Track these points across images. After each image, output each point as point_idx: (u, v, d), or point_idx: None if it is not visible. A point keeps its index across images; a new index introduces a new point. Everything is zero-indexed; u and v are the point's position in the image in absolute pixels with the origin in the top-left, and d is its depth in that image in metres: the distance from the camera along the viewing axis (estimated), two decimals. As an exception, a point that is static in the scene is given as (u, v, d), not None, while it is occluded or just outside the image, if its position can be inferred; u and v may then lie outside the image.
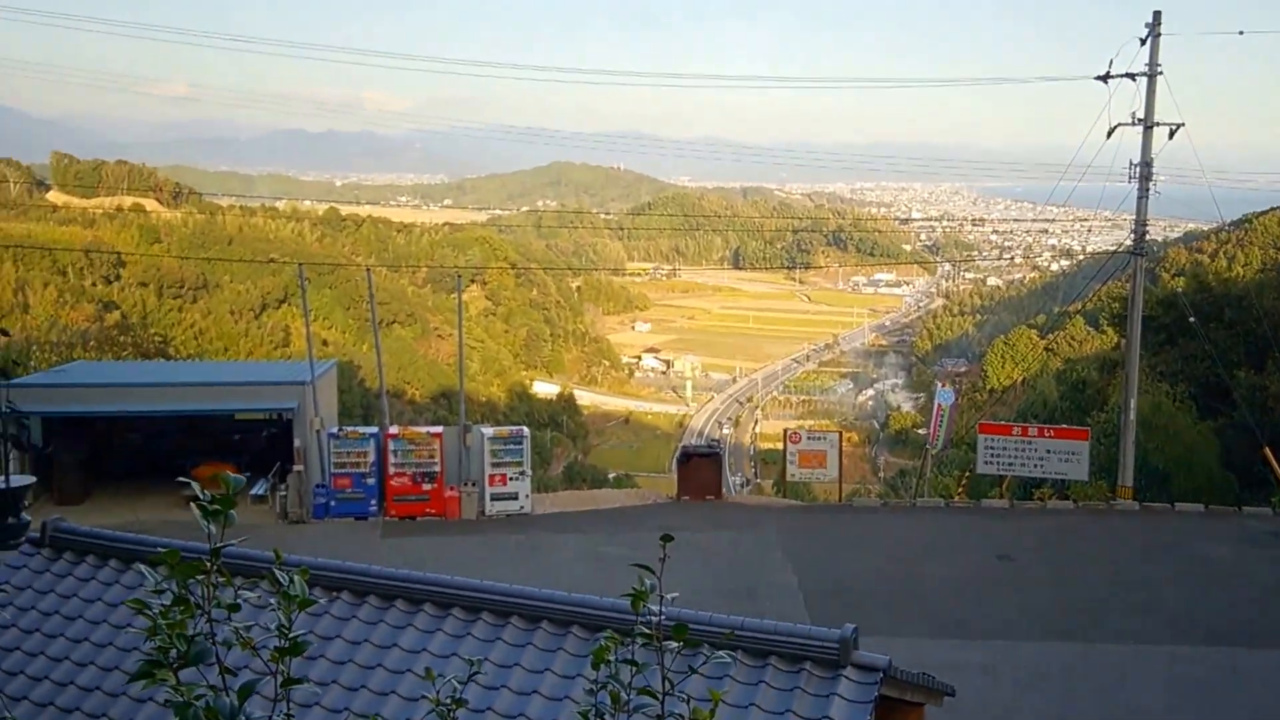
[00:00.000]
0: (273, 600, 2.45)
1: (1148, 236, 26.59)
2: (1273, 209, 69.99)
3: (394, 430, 24.89)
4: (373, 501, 23.87)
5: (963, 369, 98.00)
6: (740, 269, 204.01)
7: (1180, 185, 28.34)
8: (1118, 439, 25.99)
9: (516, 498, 24.19)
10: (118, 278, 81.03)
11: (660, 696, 2.63)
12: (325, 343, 77.59)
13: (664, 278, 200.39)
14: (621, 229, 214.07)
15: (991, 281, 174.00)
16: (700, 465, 26.30)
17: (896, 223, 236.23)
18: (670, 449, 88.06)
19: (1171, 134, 24.97)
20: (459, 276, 38.85)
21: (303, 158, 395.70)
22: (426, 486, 23.89)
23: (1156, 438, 27.13)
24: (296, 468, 23.70)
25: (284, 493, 23.65)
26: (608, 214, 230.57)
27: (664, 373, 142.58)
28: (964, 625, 17.32)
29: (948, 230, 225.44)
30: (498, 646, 6.69)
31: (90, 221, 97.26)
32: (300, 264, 36.08)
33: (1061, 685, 14.92)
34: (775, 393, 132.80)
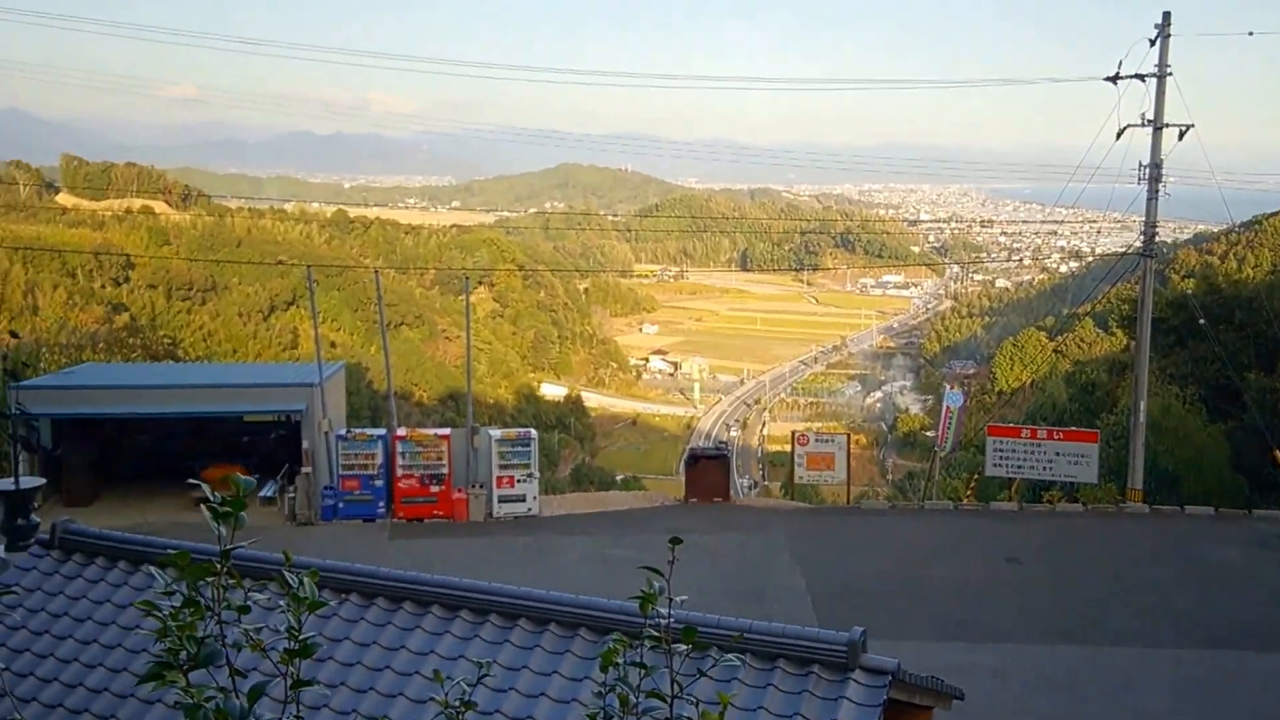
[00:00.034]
0: (282, 602, 2.45)
1: (1157, 238, 26.51)
2: (1282, 210, 69.84)
3: (402, 432, 24.94)
4: (380, 503, 23.92)
5: (971, 371, 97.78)
6: (748, 271, 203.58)
7: (1189, 186, 28.22)
8: (1127, 441, 25.88)
9: (524, 499, 24.21)
10: (127, 280, 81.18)
11: (668, 699, 2.63)
12: (333, 344, 77.64)
13: (671, 279, 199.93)
14: (629, 231, 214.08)
15: (1000, 283, 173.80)
16: (708, 467, 26.23)
17: (905, 224, 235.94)
18: (678, 451, 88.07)
19: (1181, 135, 24.90)
20: (467, 278, 39.00)
21: (311, 160, 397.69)
22: (434, 488, 23.91)
23: (1166, 440, 27.01)
24: (305, 470, 23.74)
25: (292, 495, 23.70)
26: (615, 216, 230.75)
27: (672, 375, 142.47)
28: (972, 628, 17.28)
29: (956, 232, 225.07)
30: (505, 649, 6.69)
31: (99, 224, 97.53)
32: (308, 266, 36.09)
33: (1070, 688, 14.88)
34: (783, 395, 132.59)
